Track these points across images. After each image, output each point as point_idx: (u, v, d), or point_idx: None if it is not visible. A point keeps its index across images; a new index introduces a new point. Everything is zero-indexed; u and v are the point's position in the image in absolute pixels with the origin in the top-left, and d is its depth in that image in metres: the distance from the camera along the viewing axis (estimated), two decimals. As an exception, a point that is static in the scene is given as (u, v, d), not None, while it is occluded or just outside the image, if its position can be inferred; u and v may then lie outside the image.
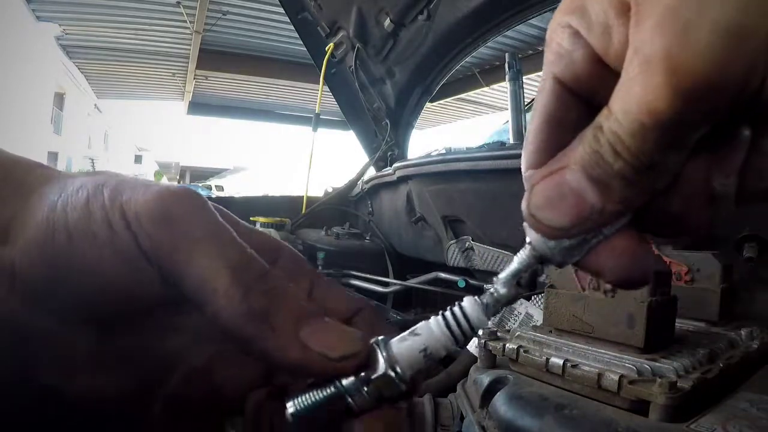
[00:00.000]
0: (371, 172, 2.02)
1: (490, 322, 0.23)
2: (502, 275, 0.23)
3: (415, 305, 1.69)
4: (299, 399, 0.22)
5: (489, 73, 5.40)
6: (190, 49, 5.86)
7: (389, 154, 2.00)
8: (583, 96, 0.21)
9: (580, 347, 0.60)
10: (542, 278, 0.95)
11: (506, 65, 1.52)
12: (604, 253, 0.21)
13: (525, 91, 1.56)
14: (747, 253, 0.78)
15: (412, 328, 0.23)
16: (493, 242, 1.26)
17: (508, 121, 1.60)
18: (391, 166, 1.80)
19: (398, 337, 0.23)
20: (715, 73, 0.15)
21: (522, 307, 1.04)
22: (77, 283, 0.22)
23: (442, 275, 1.44)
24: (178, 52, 6.23)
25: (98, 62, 6.89)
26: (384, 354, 0.22)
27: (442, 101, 6.07)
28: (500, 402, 0.58)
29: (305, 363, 0.21)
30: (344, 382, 0.22)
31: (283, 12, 1.90)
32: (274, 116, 8.02)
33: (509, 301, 0.23)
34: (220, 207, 0.24)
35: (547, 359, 0.59)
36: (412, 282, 1.57)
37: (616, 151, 0.18)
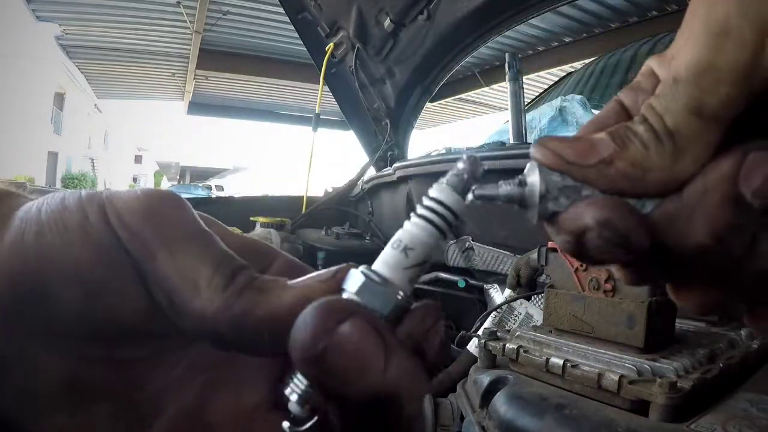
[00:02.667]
0: (371, 172, 2.02)
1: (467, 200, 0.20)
2: (467, 155, 0.21)
3: (415, 305, 1.69)
4: (294, 381, 0.19)
5: (489, 73, 5.39)
6: (190, 49, 5.86)
7: (389, 154, 1.99)
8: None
9: (580, 347, 0.60)
10: (542, 278, 0.95)
11: (506, 65, 1.51)
12: (588, 204, 0.19)
13: (525, 91, 1.56)
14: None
15: (390, 241, 0.20)
16: (493, 242, 1.26)
17: (508, 121, 1.59)
18: (391, 166, 1.80)
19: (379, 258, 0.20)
20: (709, 56, 0.18)
21: (522, 307, 1.04)
22: (48, 289, 0.19)
23: (442, 275, 1.44)
24: (178, 52, 6.22)
25: (98, 62, 6.88)
26: (362, 270, 0.19)
27: (442, 101, 6.06)
28: (500, 402, 0.58)
29: (301, 305, 0.18)
30: None
31: (283, 12, 1.89)
32: (274, 116, 8.01)
33: (472, 176, 0.20)
34: (208, 216, 0.23)
35: (547, 359, 0.59)
36: (412, 282, 1.57)
37: (643, 117, 0.19)
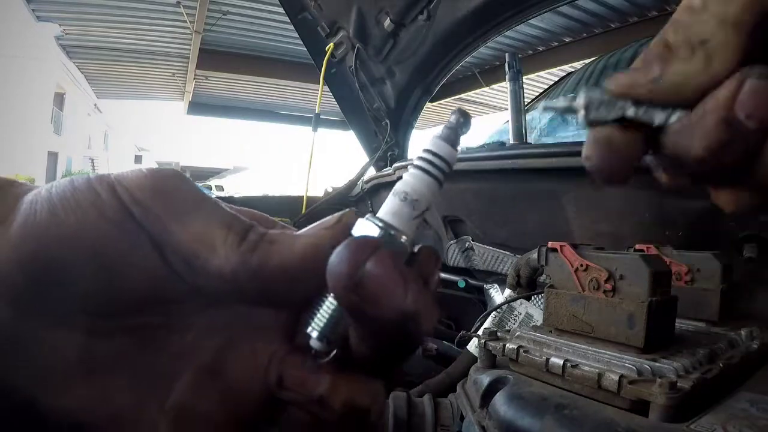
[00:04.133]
0: (371, 172, 2.02)
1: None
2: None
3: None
4: (314, 321, 0.22)
5: (489, 73, 5.40)
6: (190, 49, 5.85)
7: (389, 154, 1.99)
8: None
9: (580, 347, 0.60)
10: (542, 278, 0.95)
11: (506, 65, 1.51)
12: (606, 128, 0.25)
13: (525, 91, 1.56)
14: (747, 253, 0.78)
15: (393, 193, 0.22)
16: (493, 242, 1.26)
17: (508, 121, 1.59)
18: (391, 166, 1.80)
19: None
20: None
21: (522, 307, 1.04)
22: (63, 266, 0.20)
23: (442, 275, 1.44)
24: (178, 52, 6.22)
25: (98, 62, 6.87)
26: (374, 220, 0.22)
27: (442, 101, 6.06)
28: (500, 402, 0.58)
29: (312, 251, 0.21)
30: None
31: (283, 12, 1.89)
32: (274, 116, 8.01)
33: (462, 130, 0.23)
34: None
35: (547, 359, 0.59)
36: (412, 282, 1.56)
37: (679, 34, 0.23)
